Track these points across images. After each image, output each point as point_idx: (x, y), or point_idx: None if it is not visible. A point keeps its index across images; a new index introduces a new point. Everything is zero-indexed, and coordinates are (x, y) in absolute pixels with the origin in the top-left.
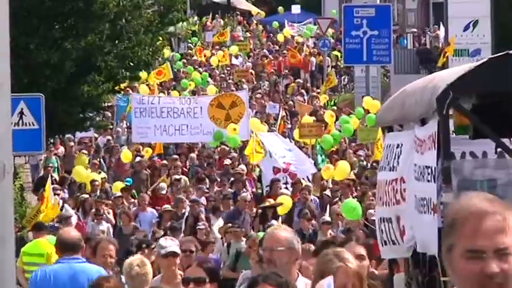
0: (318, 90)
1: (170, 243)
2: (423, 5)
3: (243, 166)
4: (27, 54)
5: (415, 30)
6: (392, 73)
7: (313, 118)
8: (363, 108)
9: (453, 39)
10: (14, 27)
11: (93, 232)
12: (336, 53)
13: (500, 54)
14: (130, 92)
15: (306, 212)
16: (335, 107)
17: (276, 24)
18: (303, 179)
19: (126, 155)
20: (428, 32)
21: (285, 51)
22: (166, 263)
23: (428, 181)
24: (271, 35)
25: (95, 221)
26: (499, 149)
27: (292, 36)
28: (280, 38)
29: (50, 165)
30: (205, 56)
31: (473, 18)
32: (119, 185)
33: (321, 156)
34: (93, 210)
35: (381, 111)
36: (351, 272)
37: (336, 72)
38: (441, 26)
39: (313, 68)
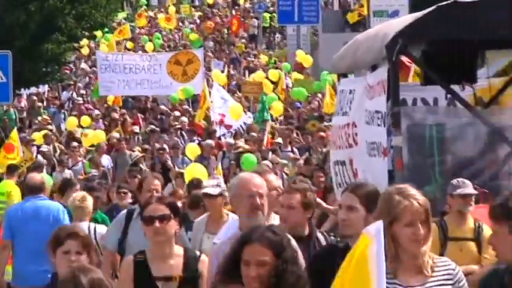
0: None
1: (209, 184)
2: None
3: (184, 118)
4: None
5: None
6: (321, 32)
7: (264, 75)
8: (290, 64)
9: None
10: None
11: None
12: (266, 14)
13: (447, 2)
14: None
15: None
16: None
17: None
18: (239, 128)
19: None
20: None
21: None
22: (207, 203)
23: (378, 125)
24: None
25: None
26: (449, 95)
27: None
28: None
29: (6, 118)
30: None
31: None
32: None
33: (266, 111)
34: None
35: (334, 60)
36: (419, 209)
37: (270, 31)
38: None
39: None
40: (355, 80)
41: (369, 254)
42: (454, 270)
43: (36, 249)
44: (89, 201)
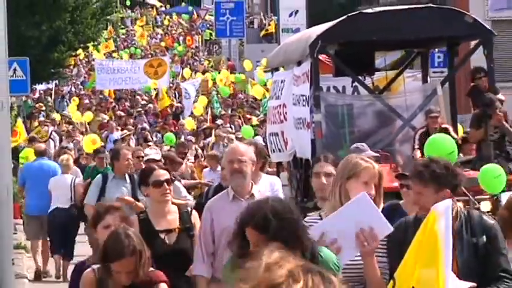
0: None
1: (151, 152)
2: (263, 0)
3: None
4: (19, 32)
5: (256, 16)
6: (245, 43)
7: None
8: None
9: (273, 22)
10: (8, 15)
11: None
12: (207, 31)
13: (355, 12)
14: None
15: None
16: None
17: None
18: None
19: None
20: (267, 17)
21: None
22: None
23: (303, 105)
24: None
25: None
26: (354, 84)
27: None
28: (166, 21)
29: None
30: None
31: (294, 9)
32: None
33: (218, 103)
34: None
35: (269, 58)
36: (375, 172)
37: (210, 43)
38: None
39: (195, 43)
40: (285, 72)
41: (438, 229)
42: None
43: (40, 190)
44: (70, 161)
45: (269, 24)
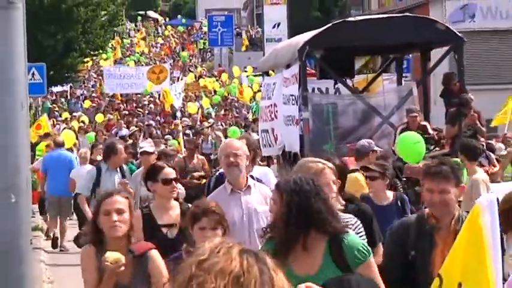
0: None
1: (145, 145)
2: (250, 14)
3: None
4: (36, 41)
5: (245, 28)
6: (234, 51)
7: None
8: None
9: (246, 37)
10: (28, 26)
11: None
12: (201, 40)
13: (339, 21)
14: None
15: None
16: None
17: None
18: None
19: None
20: (252, 29)
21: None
22: (142, 159)
23: (292, 104)
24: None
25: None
26: (336, 86)
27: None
28: (166, 32)
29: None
30: (139, 45)
31: (277, 22)
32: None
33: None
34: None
35: (260, 62)
36: (330, 171)
37: (204, 51)
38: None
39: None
40: (275, 76)
41: (483, 223)
42: (353, 224)
43: (59, 175)
44: (88, 154)
45: (256, 36)
